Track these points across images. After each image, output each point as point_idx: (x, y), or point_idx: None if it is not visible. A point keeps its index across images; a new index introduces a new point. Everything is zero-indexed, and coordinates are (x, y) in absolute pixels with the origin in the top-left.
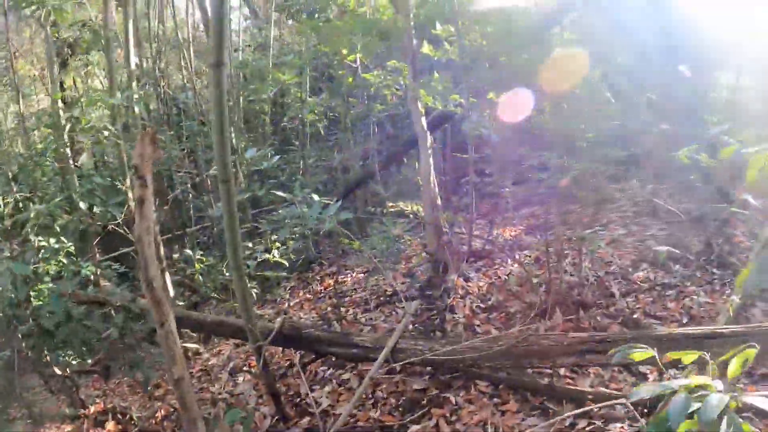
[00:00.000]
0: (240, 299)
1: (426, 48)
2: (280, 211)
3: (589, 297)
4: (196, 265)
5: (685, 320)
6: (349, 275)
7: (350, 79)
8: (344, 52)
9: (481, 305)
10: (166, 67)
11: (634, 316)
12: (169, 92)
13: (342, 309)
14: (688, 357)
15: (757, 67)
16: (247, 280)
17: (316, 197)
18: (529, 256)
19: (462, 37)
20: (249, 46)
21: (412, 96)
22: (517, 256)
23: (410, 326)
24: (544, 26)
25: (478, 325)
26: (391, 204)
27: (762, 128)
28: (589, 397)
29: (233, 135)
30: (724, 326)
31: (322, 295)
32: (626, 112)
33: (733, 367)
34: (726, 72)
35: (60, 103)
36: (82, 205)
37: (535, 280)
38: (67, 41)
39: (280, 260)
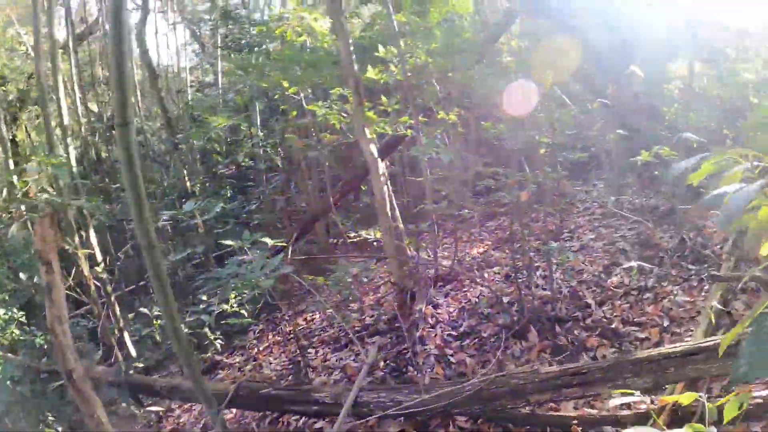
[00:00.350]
0: (185, 366)
1: (370, 72)
2: (219, 269)
3: (563, 311)
4: (155, 322)
5: (665, 323)
6: (317, 311)
7: (293, 113)
8: (285, 84)
9: (453, 333)
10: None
11: (612, 326)
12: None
13: (311, 351)
14: (685, 399)
15: (708, 54)
16: (210, 332)
17: (269, 240)
18: (499, 273)
19: (405, 59)
20: (192, 86)
21: (358, 123)
22: (486, 275)
23: (381, 363)
24: (490, 37)
25: (451, 355)
26: (353, 234)
27: (713, 110)
28: (574, 421)
29: (187, 179)
30: (706, 340)
31: (292, 336)
32: (583, 115)
33: (731, 410)
34: (677, 61)
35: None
36: (23, 275)
37: (506, 300)
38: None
39: (238, 310)
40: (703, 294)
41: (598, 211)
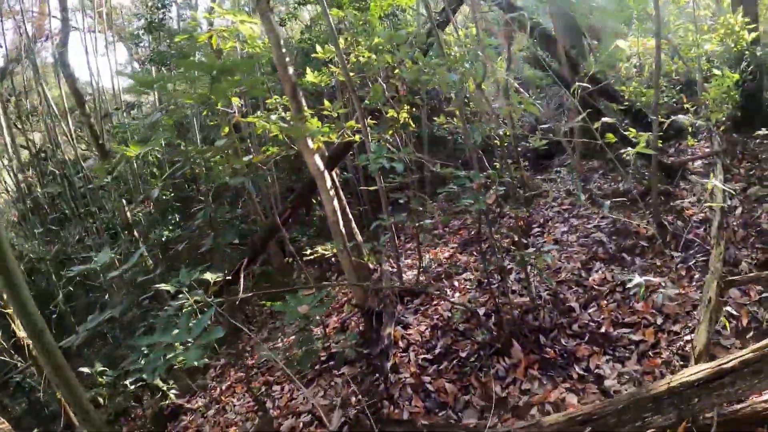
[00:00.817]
0: None
1: (310, 75)
2: (138, 338)
3: (546, 319)
4: (99, 380)
5: (659, 321)
6: (280, 339)
7: (225, 129)
8: (189, 100)
9: (428, 356)
10: (52, 141)
11: (601, 330)
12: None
13: (276, 387)
14: None
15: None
16: (162, 383)
17: (210, 276)
18: (470, 280)
19: (345, 58)
20: (117, 108)
21: (299, 133)
22: (456, 283)
23: (353, 398)
24: (436, 27)
25: (429, 383)
26: (309, 251)
27: (672, 85)
28: None
29: (127, 209)
30: (729, 359)
31: (255, 370)
32: (540, 101)
33: None
34: (627, 37)
35: None
36: None
37: (482, 312)
38: None
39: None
40: (694, 283)
41: (567, 199)
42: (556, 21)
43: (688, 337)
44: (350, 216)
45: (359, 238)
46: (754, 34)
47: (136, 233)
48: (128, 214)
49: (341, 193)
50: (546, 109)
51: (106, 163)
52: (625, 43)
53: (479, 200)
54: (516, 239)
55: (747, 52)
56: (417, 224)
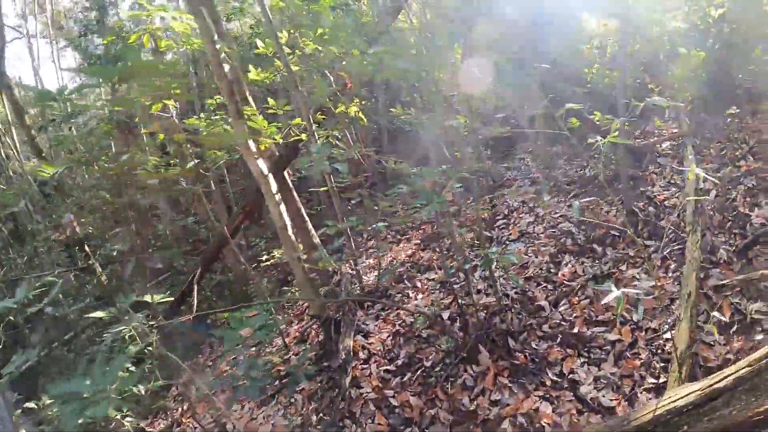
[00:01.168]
0: None
1: (253, 73)
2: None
3: (514, 321)
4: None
5: (635, 317)
6: (240, 353)
7: (161, 137)
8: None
9: (390, 367)
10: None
11: (574, 330)
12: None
13: (236, 406)
14: None
15: (618, 9)
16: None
17: (153, 297)
18: (433, 280)
19: (288, 51)
20: (53, 120)
21: (239, 135)
22: (419, 284)
23: (314, 417)
24: (388, 14)
25: (392, 397)
26: (265, 257)
27: (636, 66)
28: None
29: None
30: (721, 377)
31: (214, 388)
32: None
33: None
34: (593, 19)
35: None
36: None
37: (446, 315)
38: None
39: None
40: (670, 274)
41: (532, 188)
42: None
43: (668, 335)
44: (305, 218)
45: (316, 240)
46: (721, 11)
47: (87, 248)
48: (77, 228)
49: (295, 194)
50: (510, 95)
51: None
52: (589, 24)
53: (434, 199)
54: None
55: (713, 30)
56: (370, 227)
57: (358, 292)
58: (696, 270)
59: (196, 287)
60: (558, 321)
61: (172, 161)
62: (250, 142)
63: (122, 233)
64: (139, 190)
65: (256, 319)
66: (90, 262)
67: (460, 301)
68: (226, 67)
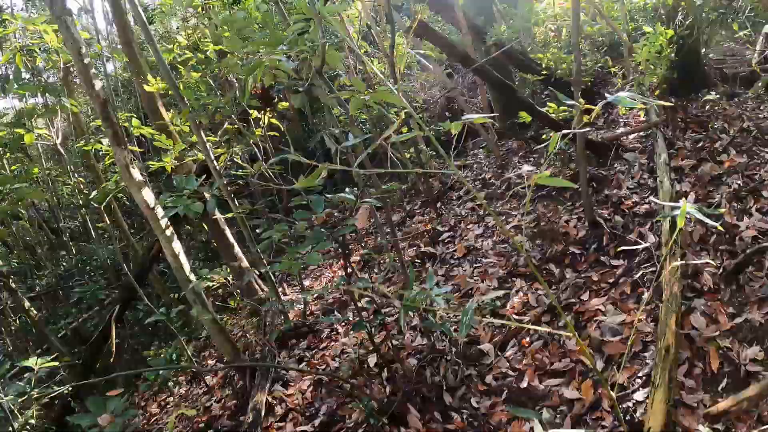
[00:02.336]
0: None
1: (152, 83)
2: None
3: (449, 374)
4: None
5: (599, 364)
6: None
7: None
8: None
9: (308, 428)
10: None
11: (523, 382)
12: None
13: None
14: None
15: None
16: None
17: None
18: (365, 310)
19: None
20: None
21: (119, 161)
22: (351, 316)
23: None
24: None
25: None
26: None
27: (595, 48)
28: None
29: None
30: None
31: None
32: (443, 79)
33: None
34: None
35: None
36: None
37: (372, 362)
38: None
39: None
40: (644, 306)
41: (483, 191)
42: None
43: (639, 395)
44: (230, 241)
45: (245, 264)
46: None
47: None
48: None
49: (217, 214)
50: (457, 85)
51: None
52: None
53: (321, 241)
54: (423, 247)
55: (683, 3)
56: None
57: (285, 325)
58: (676, 311)
59: (113, 327)
60: (504, 370)
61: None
62: (133, 170)
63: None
64: None
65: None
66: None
67: (378, 348)
68: (98, 85)
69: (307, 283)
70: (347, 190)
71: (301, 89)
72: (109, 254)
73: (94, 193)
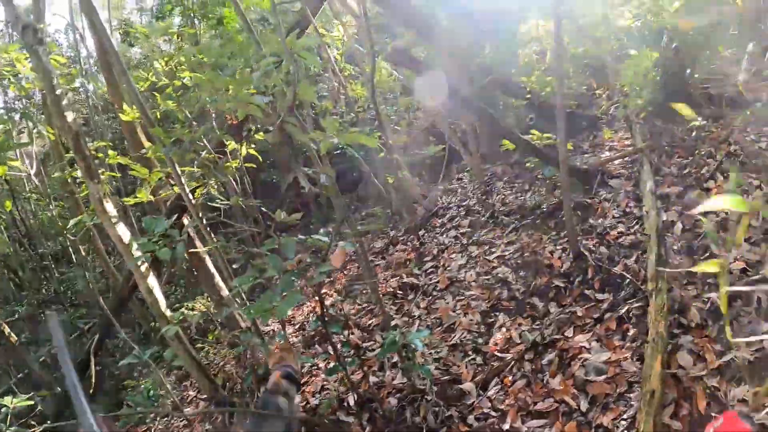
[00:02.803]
0: None
1: (127, 112)
2: None
3: (430, 415)
4: None
5: (583, 404)
6: None
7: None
8: None
9: None
10: None
11: (506, 424)
12: None
13: None
14: None
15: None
16: None
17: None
18: (347, 342)
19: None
20: None
21: (93, 196)
22: (331, 350)
23: None
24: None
25: None
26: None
27: (581, 70)
28: None
29: None
30: None
31: None
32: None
33: None
34: (530, 21)
35: None
36: None
37: (352, 401)
38: None
39: None
40: (629, 344)
41: (466, 219)
42: (442, 9)
43: None
44: (211, 272)
45: (225, 293)
46: (677, 3)
47: None
48: None
49: (197, 243)
50: (441, 109)
51: None
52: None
53: (291, 292)
54: (406, 278)
55: (669, 26)
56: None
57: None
58: (662, 353)
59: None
60: (486, 410)
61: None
62: (106, 204)
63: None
64: None
65: None
66: None
67: (354, 385)
68: (70, 117)
69: (289, 312)
70: (321, 231)
71: (270, 128)
72: (90, 280)
73: (72, 221)
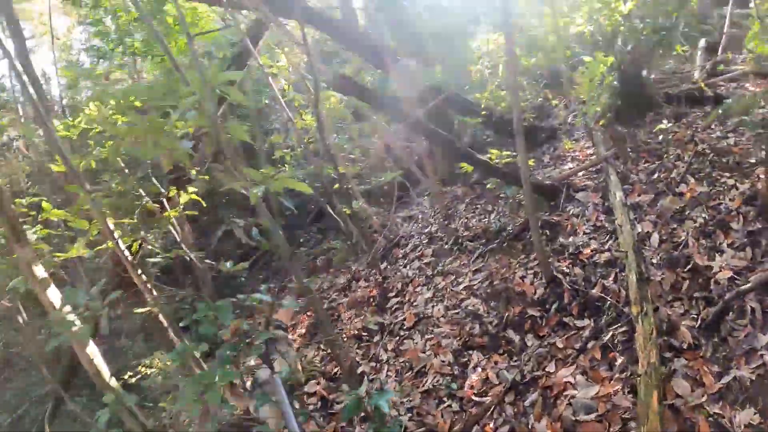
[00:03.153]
0: None
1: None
2: None
3: None
4: None
5: None
6: None
7: None
8: None
9: None
10: None
11: None
12: None
13: None
14: None
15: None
16: None
17: None
18: (314, 394)
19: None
20: None
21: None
22: (297, 405)
23: None
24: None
25: None
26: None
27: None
28: None
29: None
30: None
31: None
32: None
33: None
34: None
35: None
36: None
37: None
38: None
39: None
40: (617, 374)
41: (429, 247)
42: (390, 30)
43: None
44: (164, 325)
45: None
46: (630, 5)
47: None
48: None
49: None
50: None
51: None
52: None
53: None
54: (370, 317)
55: (622, 27)
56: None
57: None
58: (656, 383)
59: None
60: None
61: None
62: (36, 268)
63: None
64: None
65: None
66: None
67: None
68: None
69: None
70: (263, 287)
71: (193, 178)
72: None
73: (11, 283)
